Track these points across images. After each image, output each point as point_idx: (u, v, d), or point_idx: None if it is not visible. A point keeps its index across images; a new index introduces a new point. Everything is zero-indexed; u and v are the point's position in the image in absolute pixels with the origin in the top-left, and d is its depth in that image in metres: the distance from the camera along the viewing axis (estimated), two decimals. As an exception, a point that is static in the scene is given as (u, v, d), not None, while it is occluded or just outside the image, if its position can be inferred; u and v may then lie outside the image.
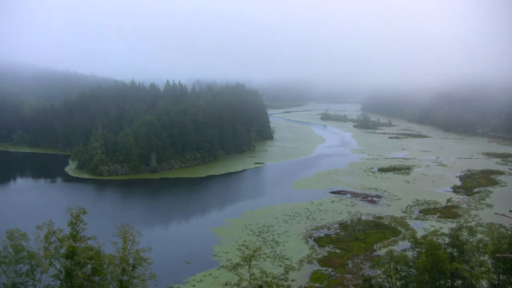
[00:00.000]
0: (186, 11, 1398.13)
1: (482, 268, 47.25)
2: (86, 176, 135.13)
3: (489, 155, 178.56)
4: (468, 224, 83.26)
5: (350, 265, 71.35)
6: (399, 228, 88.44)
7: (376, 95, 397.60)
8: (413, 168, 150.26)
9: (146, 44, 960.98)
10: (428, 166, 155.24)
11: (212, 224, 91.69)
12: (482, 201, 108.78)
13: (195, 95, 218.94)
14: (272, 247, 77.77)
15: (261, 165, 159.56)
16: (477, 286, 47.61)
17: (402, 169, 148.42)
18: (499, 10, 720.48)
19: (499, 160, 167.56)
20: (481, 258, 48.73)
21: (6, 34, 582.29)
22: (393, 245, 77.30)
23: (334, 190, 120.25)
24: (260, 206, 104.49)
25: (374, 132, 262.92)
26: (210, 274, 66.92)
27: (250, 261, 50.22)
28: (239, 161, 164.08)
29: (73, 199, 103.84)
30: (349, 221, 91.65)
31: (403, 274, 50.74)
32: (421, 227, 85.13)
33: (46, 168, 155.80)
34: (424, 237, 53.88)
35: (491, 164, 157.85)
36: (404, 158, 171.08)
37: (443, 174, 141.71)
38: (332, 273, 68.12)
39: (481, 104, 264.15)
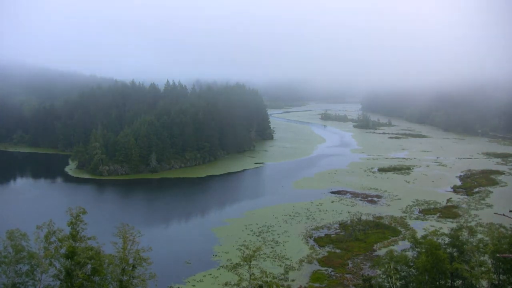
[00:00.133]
0: (186, 11, 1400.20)
1: (482, 268, 47.24)
2: (86, 176, 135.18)
3: (489, 155, 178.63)
4: (468, 224, 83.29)
5: (350, 265, 71.31)
6: (399, 228, 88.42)
7: (376, 95, 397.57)
8: (413, 168, 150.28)
9: (146, 44, 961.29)
10: (428, 166, 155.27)
11: (212, 224, 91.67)
12: (482, 201, 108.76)
13: (195, 95, 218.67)
14: (272, 247, 77.75)
15: (261, 165, 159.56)
16: (477, 286, 47.58)
17: (402, 169, 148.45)
18: (499, 10, 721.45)
19: (499, 160, 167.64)
20: (481, 258, 48.72)
21: (6, 34, 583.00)
22: (393, 245, 77.31)
23: (334, 190, 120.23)
24: (260, 206, 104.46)
25: (374, 132, 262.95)
26: (210, 274, 66.91)
27: (250, 261, 50.26)
28: (239, 161, 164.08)
29: (73, 199, 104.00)
30: (349, 221, 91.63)
31: (403, 274, 50.75)
32: (421, 227, 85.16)
33: (46, 168, 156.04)
34: (424, 237, 53.80)
35: (491, 164, 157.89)
36: (404, 158, 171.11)
37: (443, 174, 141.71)
38: (332, 273, 68.09)
39: (481, 104, 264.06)
